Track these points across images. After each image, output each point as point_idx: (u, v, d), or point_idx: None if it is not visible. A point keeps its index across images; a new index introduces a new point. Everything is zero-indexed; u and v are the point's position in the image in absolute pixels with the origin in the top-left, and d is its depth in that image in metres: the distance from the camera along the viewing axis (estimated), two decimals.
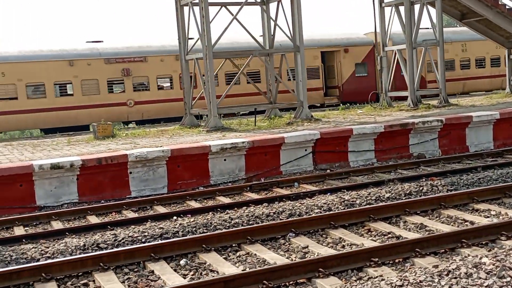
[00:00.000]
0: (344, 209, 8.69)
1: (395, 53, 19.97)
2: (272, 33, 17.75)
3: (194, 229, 8.09)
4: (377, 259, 6.11)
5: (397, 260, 6.29)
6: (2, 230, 9.28)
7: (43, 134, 19.19)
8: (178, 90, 22.03)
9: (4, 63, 20.74)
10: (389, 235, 7.41)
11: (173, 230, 8.04)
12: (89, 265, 6.55)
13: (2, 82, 20.74)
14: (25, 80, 20.97)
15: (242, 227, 7.84)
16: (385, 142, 13.77)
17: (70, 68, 21.42)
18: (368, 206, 8.64)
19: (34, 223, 9.61)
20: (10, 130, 24.11)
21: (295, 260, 6.65)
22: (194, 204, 10.34)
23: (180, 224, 8.42)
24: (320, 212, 8.62)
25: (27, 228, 9.38)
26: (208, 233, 7.66)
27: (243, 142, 12.36)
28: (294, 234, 7.53)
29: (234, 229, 7.82)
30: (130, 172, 11.50)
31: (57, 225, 9.40)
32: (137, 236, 7.85)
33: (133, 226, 8.66)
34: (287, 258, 6.79)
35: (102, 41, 23.07)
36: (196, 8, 16.04)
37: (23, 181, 10.67)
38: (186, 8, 16.96)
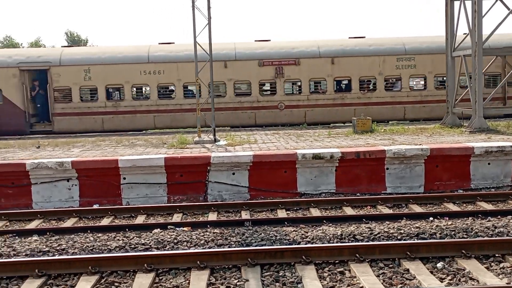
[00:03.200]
0: None
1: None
2: None
3: (453, 232, 7.75)
4: None
5: None
6: (267, 211, 10.12)
7: (305, 126, 20.29)
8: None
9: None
10: None
11: (430, 231, 7.83)
12: (346, 255, 6.76)
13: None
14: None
15: (507, 237, 7.25)
16: None
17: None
18: None
19: (295, 208, 10.26)
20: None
21: None
22: (452, 207, 9.89)
23: (437, 225, 8.15)
24: None
25: (289, 212, 10.07)
26: (469, 239, 7.27)
27: (511, 146, 11.40)
28: None
29: (498, 238, 7.29)
30: (387, 168, 11.50)
31: (315, 212, 9.89)
32: (392, 233, 7.84)
33: (387, 222, 8.66)
34: None
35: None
36: (468, 3, 15.24)
37: (287, 168, 11.46)
38: (456, 3, 16.24)
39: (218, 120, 18.22)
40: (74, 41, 58.47)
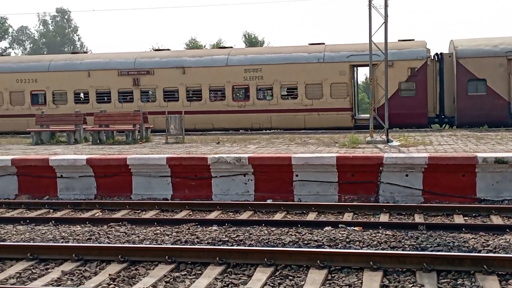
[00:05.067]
0: None
1: None
2: None
3: None
4: None
5: None
6: (443, 216, 9.68)
7: (487, 127, 19.02)
8: None
9: None
10: None
11: None
12: None
13: None
14: None
15: None
16: None
17: None
18: None
19: (473, 214, 9.68)
20: None
21: None
22: None
23: None
24: None
25: (466, 218, 9.53)
26: None
27: None
28: None
29: None
30: None
31: (496, 220, 9.24)
32: None
33: None
34: None
35: None
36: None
37: (466, 172, 10.85)
38: None
39: None
40: (251, 42, 61.01)
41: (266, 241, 7.92)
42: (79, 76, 23.47)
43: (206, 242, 7.98)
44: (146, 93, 23.55)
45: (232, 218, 9.74)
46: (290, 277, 6.38)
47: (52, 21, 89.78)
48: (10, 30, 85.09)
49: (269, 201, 11.20)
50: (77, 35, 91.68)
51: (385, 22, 14.39)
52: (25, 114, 23.50)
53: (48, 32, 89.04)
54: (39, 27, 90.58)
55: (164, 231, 8.77)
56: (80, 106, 22.67)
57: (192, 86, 22.77)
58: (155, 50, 27.57)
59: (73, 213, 10.85)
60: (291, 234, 8.35)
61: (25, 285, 6.32)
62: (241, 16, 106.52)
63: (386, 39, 14.58)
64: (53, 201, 11.75)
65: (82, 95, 24.03)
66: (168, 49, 25.43)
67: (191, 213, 10.52)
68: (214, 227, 8.99)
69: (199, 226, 9.15)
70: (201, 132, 21.15)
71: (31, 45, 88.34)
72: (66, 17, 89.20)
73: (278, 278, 6.38)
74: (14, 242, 8.21)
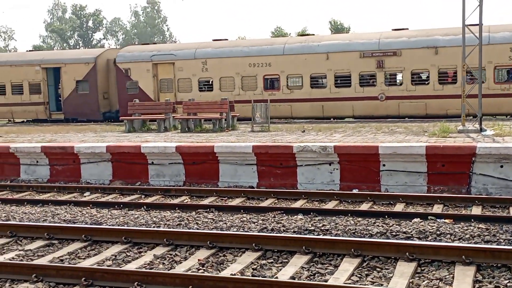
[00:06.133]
0: None
1: None
2: None
3: None
4: None
5: None
6: None
7: None
8: None
9: None
10: None
11: None
12: None
13: None
14: None
15: None
16: None
17: None
18: None
19: None
20: None
21: None
22: None
23: None
24: None
25: None
26: None
27: None
28: None
29: None
30: None
31: None
32: None
33: None
34: None
35: None
36: None
37: None
38: None
39: None
40: (337, 29, 60.29)
41: (353, 231, 7.84)
42: (316, 59, 22.15)
43: (292, 230, 8.02)
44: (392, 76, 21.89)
45: (317, 208, 9.72)
46: (377, 269, 6.29)
47: (143, 12, 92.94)
48: (104, 22, 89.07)
49: (355, 191, 11.07)
50: (166, 25, 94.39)
51: (480, 5, 13.74)
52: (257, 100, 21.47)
53: (139, 23, 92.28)
54: (130, 18, 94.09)
55: (250, 218, 8.90)
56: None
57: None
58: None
59: (163, 198, 11.24)
60: (378, 225, 8.22)
61: (120, 267, 6.62)
62: (326, 3, 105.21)
63: (481, 22, 13.92)
64: (145, 187, 12.22)
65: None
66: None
67: (276, 201, 10.60)
68: (300, 216, 9.01)
69: (284, 214, 9.20)
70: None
71: (123, 36, 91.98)
72: (156, 8, 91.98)
73: (366, 269, 6.31)
74: (109, 226, 8.62)
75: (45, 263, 6.74)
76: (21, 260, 6.99)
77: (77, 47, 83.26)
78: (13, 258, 7.12)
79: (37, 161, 13.87)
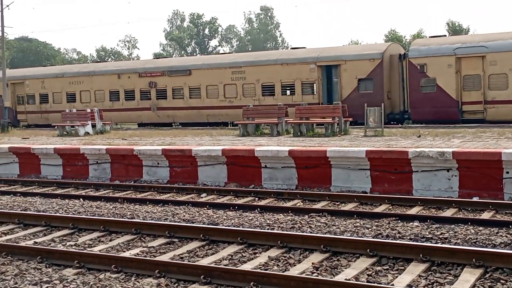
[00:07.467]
0: None
1: None
2: None
3: None
4: None
5: None
6: None
7: None
8: None
9: None
10: None
11: None
12: None
13: None
14: None
15: None
16: None
17: None
18: None
19: None
20: None
21: None
22: None
23: None
24: None
25: None
26: None
27: None
28: None
29: None
30: None
31: None
32: None
33: None
34: None
35: None
36: None
37: None
38: None
39: None
40: (455, 31, 57.84)
41: (474, 240, 7.50)
42: None
43: (408, 237, 7.81)
44: None
45: (435, 215, 9.38)
46: (502, 281, 5.97)
47: (256, 19, 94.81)
48: (220, 29, 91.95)
49: (475, 199, 10.56)
50: (278, 31, 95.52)
51: None
52: None
53: (253, 29, 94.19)
54: (244, 25, 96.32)
55: (363, 224, 8.78)
56: None
57: None
58: None
59: (276, 201, 11.39)
60: (501, 235, 7.79)
61: (237, 267, 6.82)
62: (444, 4, 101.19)
63: None
64: (258, 189, 12.46)
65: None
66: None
67: (390, 207, 10.37)
68: (416, 223, 8.76)
69: (399, 221, 8.98)
70: None
71: (238, 42, 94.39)
72: (269, 14, 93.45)
73: (488, 281, 6.01)
74: (226, 226, 8.90)
75: (167, 260, 7.09)
76: (145, 257, 7.41)
77: (194, 54, 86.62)
78: (137, 254, 7.56)
79: (158, 163, 14.61)
